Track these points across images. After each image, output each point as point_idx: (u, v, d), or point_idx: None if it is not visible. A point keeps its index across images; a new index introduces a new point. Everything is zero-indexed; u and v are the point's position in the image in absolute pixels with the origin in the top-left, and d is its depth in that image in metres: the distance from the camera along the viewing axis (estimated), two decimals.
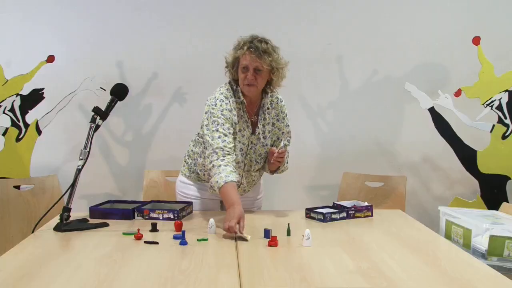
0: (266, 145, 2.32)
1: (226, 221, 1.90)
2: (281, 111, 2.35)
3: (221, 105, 2.19)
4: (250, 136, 2.28)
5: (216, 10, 3.37)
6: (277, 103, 2.35)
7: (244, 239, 1.86)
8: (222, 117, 2.16)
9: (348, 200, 2.52)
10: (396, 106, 3.48)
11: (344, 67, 3.47)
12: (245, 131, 2.26)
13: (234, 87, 2.26)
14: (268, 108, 2.32)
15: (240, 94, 2.23)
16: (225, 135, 2.15)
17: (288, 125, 2.40)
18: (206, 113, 2.22)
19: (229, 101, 2.21)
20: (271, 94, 2.33)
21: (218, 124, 2.16)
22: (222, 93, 2.23)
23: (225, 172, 2.06)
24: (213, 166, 2.11)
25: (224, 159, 2.10)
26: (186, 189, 2.44)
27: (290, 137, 2.40)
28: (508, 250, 1.99)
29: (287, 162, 2.37)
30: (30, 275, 1.48)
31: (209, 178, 2.18)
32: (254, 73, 2.15)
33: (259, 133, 2.29)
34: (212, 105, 2.20)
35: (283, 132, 2.37)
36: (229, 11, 3.38)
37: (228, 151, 2.12)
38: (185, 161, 2.47)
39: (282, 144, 2.24)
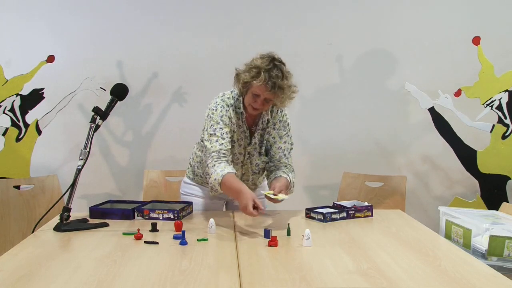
0: (262, 154, 2.30)
1: (243, 210, 1.95)
2: (280, 120, 2.29)
3: (221, 111, 2.18)
4: (247, 146, 2.27)
5: (216, 10, 3.37)
6: (277, 112, 2.29)
7: (280, 200, 2.00)
8: (221, 122, 2.17)
9: (348, 200, 2.53)
10: (396, 106, 3.48)
11: (344, 67, 3.47)
12: (242, 141, 2.25)
13: (237, 97, 2.23)
14: (268, 120, 2.27)
15: (241, 105, 2.21)
16: (223, 138, 2.15)
17: (290, 136, 2.31)
18: (207, 117, 2.22)
19: (229, 110, 2.20)
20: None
21: (216, 128, 2.16)
22: (223, 100, 2.21)
23: (220, 168, 2.08)
24: (208, 168, 2.12)
25: (218, 160, 2.11)
26: (189, 189, 2.44)
27: (292, 148, 2.33)
28: (508, 250, 1.99)
29: (293, 186, 2.29)
30: (30, 275, 1.48)
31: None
32: (263, 101, 2.12)
33: (255, 143, 2.27)
34: (213, 109, 2.20)
35: (279, 147, 2.28)
36: (230, 11, 3.38)
37: (224, 154, 2.12)
38: (189, 163, 2.47)
39: (283, 196, 2.06)
